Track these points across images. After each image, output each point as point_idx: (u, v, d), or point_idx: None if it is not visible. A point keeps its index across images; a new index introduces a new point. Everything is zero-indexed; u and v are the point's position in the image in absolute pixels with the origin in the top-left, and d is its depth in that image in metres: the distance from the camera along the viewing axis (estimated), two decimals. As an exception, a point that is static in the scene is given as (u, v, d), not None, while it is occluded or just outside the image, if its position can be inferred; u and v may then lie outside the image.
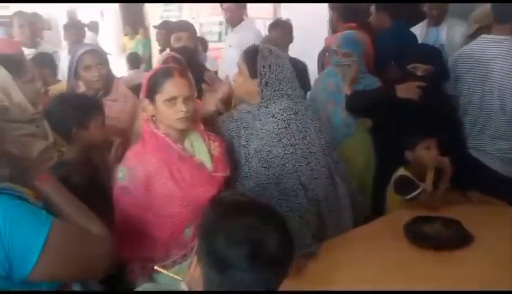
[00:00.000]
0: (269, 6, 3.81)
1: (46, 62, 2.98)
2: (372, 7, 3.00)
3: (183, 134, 1.57)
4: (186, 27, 3.04)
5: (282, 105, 1.68)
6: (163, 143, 1.51)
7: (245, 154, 1.72)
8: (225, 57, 3.59)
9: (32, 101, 1.89)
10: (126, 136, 1.97)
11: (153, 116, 1.52)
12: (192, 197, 1.51)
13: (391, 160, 2.18)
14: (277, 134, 1.66)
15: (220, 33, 4.78)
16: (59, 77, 3.16)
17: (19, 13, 3.66)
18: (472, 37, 2.53)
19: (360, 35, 2.51)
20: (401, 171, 2.08)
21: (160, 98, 1.47)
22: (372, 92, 2.28)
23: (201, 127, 1.64)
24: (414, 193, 1.98)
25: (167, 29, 3.66)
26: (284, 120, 1.66)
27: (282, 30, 3.16)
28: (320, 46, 3.37)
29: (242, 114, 1.76)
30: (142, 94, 1.55)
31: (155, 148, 1.51)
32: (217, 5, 4.72)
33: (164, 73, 1.50)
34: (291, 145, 1.66)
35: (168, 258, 1.54)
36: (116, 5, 7.27)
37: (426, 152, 2.02)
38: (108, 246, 1.13)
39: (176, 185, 1.50)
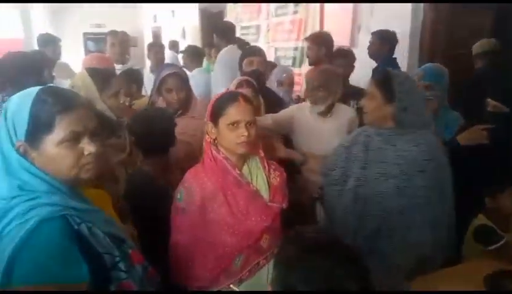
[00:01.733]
0: (346, 32, 3.79)
1: (134, 77, 3.18)
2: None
3: (242, 159, 1.57)
4: (258, 52, 3.11)
5: (427, 136, 1.72)
6: (221, 166, 1.52)
7: (361, 175, 1.74)
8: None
9: (115, 113, 2.01)
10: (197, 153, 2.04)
11: (215, 139, 1.54)
12: (244, 226, 1.50)
13: (467, 204, 2.03)
14: (420, 164, 1.67)
15: (294, 58, 4.84)
16: (143, 92, 3.38)
17: (112, 32, 4.03)
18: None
19: (442, 67, 2.41)
20: (481, 219, 1.94)
21: (223, 121, 1.49)
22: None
23: (262, 153, 1.63)
24: (497, 245, 1.82)
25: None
26: (428, 153, 1.68)
27: (344, 60, 3.12)
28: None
29: (362, 137, 1.80)
30: (207, 116, 1.58)
31: (213, 171, 1.52)
32: (294, 33, 4.81)
33: (229, 98, 1.53)
34: (434, 179, 1.68)
35: (215, 287, 1.52)
36: (197, 26, 7.66)
37: (510, 201, 1.86)
38: None
39: (230, 211, 1.49)
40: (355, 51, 3.27)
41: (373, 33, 3.34)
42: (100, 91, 1.98)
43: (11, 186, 0.98)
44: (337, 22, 3.96)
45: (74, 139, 1.01)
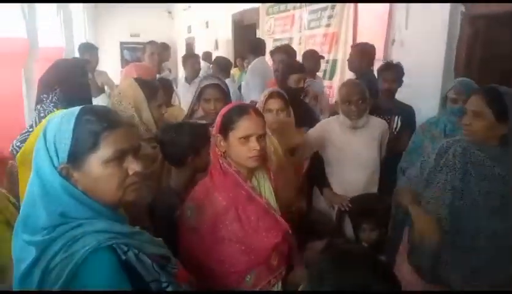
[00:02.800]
0: (380, 45, 3.77)
1: (166, 87, 3.28)
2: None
3: (252, 172, 1.53)
4: (305, 69, 3.13)
5: None
6: (232, 180, 1.48)
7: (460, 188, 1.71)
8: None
9: (157, 124, 2.08)
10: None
11: (224, 152, 1.49)
12: (254, 242, 1.45)
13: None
14: None
15: (325, 71, 4.83)
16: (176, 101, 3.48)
17: (152, 42, 4.26)
18: None
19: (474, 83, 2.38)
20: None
21: (234, 135, 1.45)
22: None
23: (268, 165, 1.61)
24: None
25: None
26: None
27: (392, 73, 3.08)
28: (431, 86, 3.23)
29: (457, 149, 1.75)
30: (215, 129, 1.52)
31: (224, 185, 1.47)
32: (326, 45, 4.82)
33: (240, 110, 1.48)
34: None
35: None
36: (230, 37, 7.78)
37: None
38: None
39: (241, 227, 1.44)
40: (388, 64, 3.25)
41: (352, 47, 3.36)
42: (148, 102, 2.03)
43: (53, 214, 0.93)
44: (371, 35, 3.94)
45: (120, 158, 0.98)
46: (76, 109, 0.99)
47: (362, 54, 3.47)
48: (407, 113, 3.07)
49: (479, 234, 1.69)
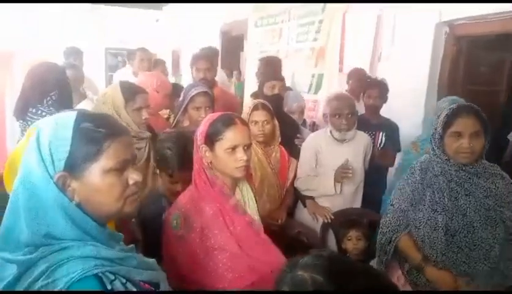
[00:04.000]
0: (366, 61, 3.82)
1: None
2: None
3: (236, 183, 1.52)
4: (281, 77, 3.15)
5: (499, 168, 1.78)
6: (218, 191, 1.45)
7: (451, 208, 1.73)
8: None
9: (138, 125, 2.14)
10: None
11: (210, 162, 1.47)
12: (242, 255, 1.41)
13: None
14: (507, 196, 1.71)
15: (310, 85, 4.86)
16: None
17: (143, 49, 4.44)
18: None
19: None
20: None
21: (220, 146, 1.43)
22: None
23: (250, 174, 1.60)
24: None
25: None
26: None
27: (377, 90, 3.12)
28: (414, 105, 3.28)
29: (436, 169, 1.77)
30: (201, 140, 1.48)
31: (210, 196, 1.45)
32: (312, 59, 4.86)
33: (225, 121, 1.46)
34: None
35: None
36: (218, 48, 7.79)
37: None
38: None
39: (230, 237, 1.42)
40: (374, 79, 3.29)
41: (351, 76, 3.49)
42: (125, 103, 2.10)
43: (36, 234, 0.86)
44: (357, 50, 4.00)
45: (121, 168, 0.94)
46: (71, 115, 0.92)
47: (362, 83, 3.48)
48: (391, 129, 3.10)
49: (476, 247, 1.71)
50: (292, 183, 2.61)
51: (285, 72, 4.31)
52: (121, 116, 2.08)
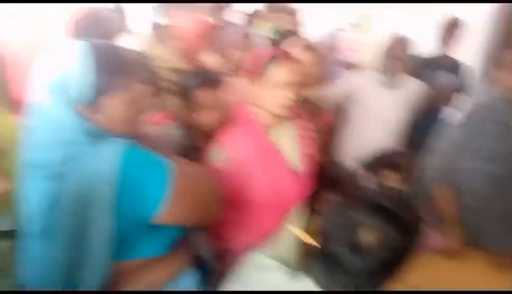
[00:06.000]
0: None
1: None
2: None
3: (279, 123, 1.48)
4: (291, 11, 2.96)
5: None
6: (258, 129, 1.45)
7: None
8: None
9: None
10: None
11: (253, 97, 1.45)
12: (275, 194, 1.43)
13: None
14: None
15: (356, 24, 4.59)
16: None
17: None
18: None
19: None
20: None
21: (267, 81, 1.40)
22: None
23: (300, 117, 1.56)
24: None
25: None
26: None
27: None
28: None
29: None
30: (247, 75, 1.47)
31: (248, 134, 1.45)
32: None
33: (275, 57, 1.43)
34: None
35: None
36: None
37: None
38: (215, 183, 1.11)
39: (266, 176, 1.43)
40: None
41: None
42: None
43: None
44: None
45: (141, 97, 0.99)
46: (87, 44, 0.92)
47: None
48: (458, 69, 2.93)
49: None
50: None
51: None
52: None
